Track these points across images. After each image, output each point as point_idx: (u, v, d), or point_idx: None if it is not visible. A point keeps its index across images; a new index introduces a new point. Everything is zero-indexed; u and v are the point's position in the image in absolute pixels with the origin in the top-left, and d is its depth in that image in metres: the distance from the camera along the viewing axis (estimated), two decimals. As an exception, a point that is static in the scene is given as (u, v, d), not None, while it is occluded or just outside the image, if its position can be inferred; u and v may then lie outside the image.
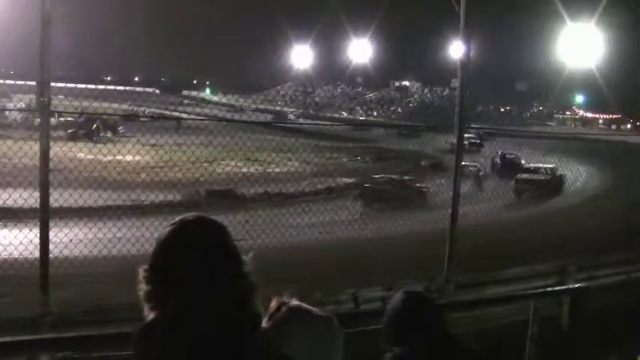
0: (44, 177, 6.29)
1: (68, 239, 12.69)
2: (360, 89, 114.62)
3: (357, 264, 16.13)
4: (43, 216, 6.36)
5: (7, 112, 44.97)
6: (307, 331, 2.71)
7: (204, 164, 25.59)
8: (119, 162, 25.22)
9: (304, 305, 2.85)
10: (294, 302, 2.84)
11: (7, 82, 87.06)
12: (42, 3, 6.50)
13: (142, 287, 2.10)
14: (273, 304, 2.82)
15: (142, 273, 2.12)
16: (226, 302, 2.07)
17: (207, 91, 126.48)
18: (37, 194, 6.52)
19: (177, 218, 2.19)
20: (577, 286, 9.83)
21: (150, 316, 2.08)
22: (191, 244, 2.10)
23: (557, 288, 9.86)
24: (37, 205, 6.59)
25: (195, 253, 2.09)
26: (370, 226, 20.67)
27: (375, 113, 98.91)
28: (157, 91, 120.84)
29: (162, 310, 2.06)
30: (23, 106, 48.34)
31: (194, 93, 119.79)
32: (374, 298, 10.46)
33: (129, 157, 28.10)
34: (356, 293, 10.47)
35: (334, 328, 2.81)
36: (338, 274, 14.66)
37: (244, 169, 30.29)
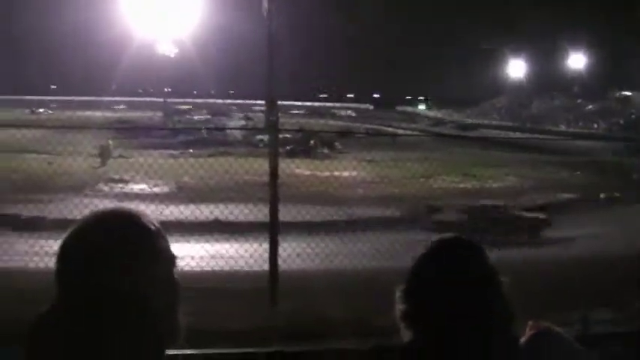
0: (274, 194, 6.43)
1: (286, 254, 13.08)
2: (578, 101, 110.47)
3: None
4: (272, 231, 6.52)
5: (227, 130, 46.64)
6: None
7: (421, 179, 25.55)
8: (336, 177, 25.76)
9: (559, 330, 2.72)
10: (554, 328, 2.71)
11: (227, 101, 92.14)
12: (269, 25, 6.69)
13: (399, 307, 2.07)
14: (529, 329, 2.70)
15: (398, 293, 2.09)
16: (486, 327, 1.99)
17: (421, 106, 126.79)
18: (256, 209, 6.71)
19: (434, 239, 2.12)
20: None
21: (405, 336, 2.05)
22: (449, 266, 2.04)
23: None
24: (255, 218, 6.80)
25: (454, 275, 2.02)
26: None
27: (595, 125, 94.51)
28: (370, 107, 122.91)
29: (419, 331, 2.02)
30: (242, 123, 50.38)
31: (409, 109, 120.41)
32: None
33: (346, 173, 28.73)
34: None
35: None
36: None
37: (461, 185, 29.96)
